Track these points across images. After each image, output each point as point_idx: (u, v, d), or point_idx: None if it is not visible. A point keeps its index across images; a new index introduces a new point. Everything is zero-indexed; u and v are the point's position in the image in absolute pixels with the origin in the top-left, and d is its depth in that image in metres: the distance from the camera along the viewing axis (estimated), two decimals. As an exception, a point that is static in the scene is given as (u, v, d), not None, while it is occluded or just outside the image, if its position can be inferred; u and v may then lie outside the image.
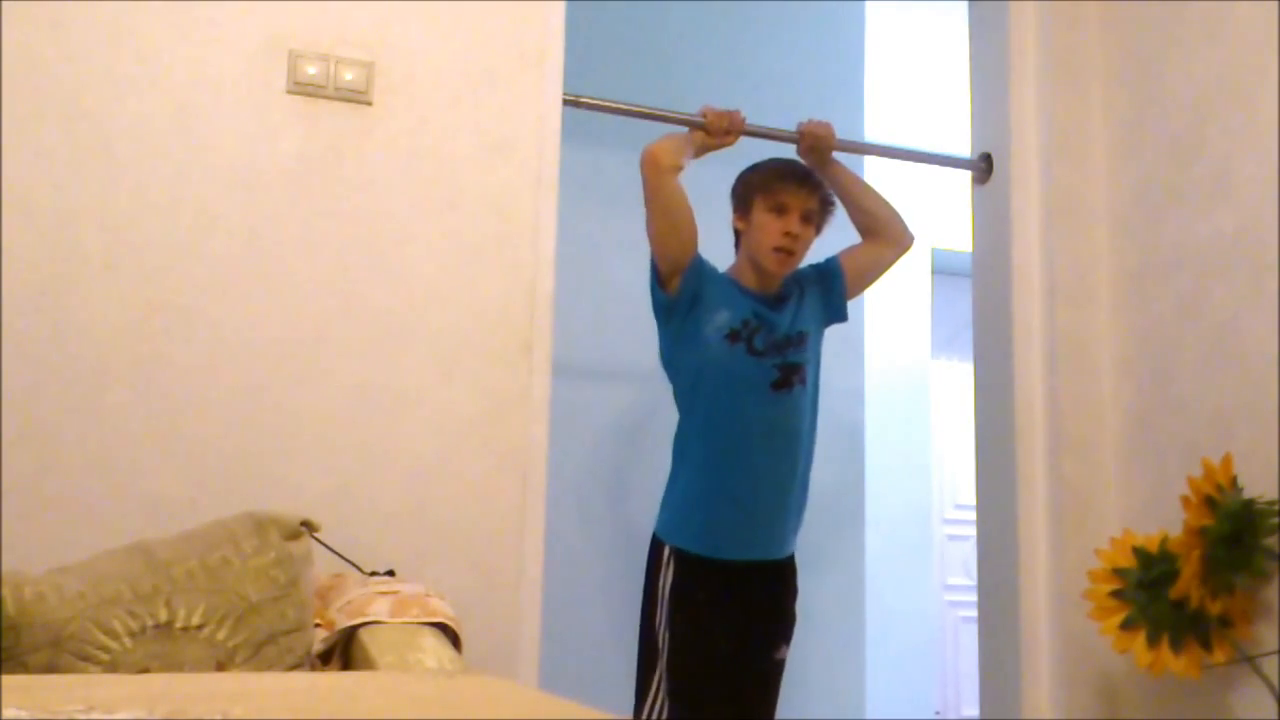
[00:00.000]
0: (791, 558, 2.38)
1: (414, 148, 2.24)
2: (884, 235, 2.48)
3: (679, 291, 2.29)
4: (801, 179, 2.37)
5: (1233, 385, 2.32)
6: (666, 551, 2.28)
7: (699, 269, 2.31)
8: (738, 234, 2.40)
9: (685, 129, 2.41)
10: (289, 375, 2.11)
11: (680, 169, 2.30)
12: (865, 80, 3.77)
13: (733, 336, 2.28)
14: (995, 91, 2.79)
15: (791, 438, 2.31)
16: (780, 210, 2.32)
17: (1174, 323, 2.48)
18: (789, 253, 2.32)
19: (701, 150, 2.39)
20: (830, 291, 2.43)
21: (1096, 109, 2.73)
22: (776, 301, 2.35)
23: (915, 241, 2.53)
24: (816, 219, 2.38)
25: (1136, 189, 2.62)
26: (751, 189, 2.36)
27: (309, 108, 2.18)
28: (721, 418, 2.28)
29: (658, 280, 2.32)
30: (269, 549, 1.66)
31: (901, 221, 2.50)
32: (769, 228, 2.32)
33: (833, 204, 2.43)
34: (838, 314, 2.46)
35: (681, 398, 2.36)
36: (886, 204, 2.50)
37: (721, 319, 2.28)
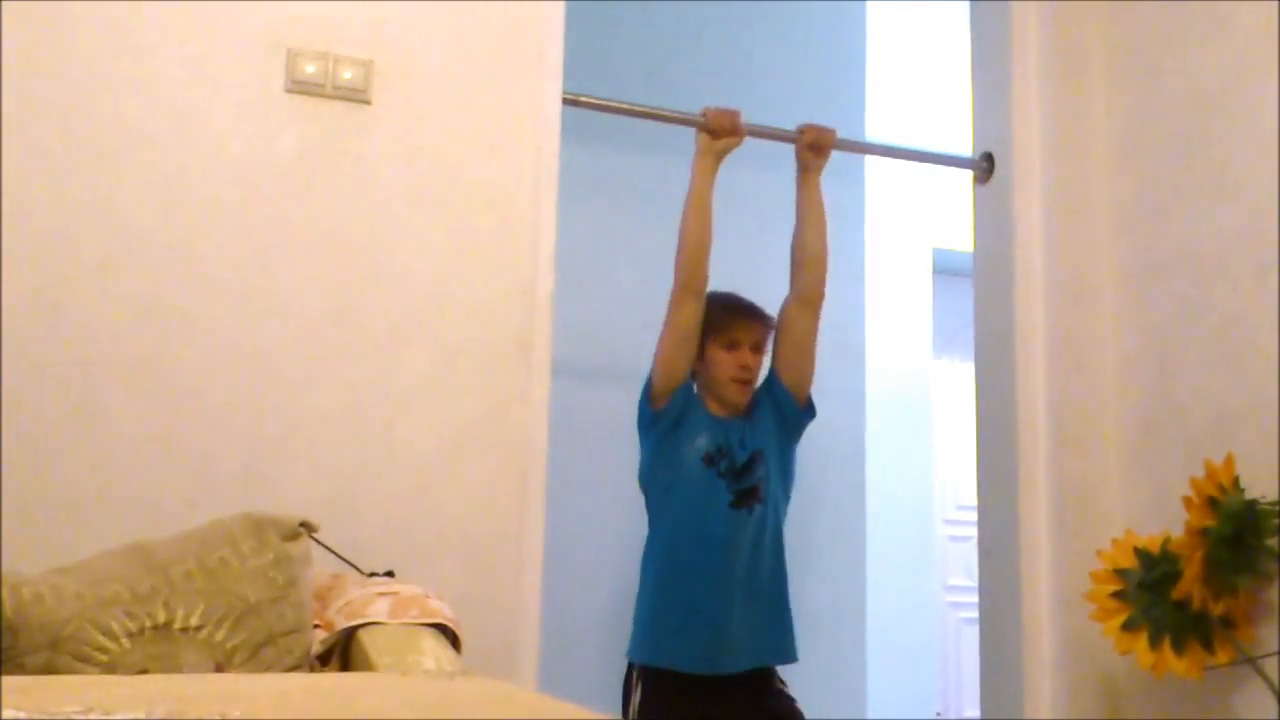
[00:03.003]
0: (766, 670, 2.39)
1: (413, 147, 2.23)
2: (802, 272, 2.45)
3: (667, 407, 2.37)
4: (749, 312, 2.45)
5: (1235, 385, 2.32)
6: (635, 673, 2.35)
7: (688, 391, 2.41)
8: (694, 372, 2.44)
9: (686, 156, 2.43)
10: (287, 375, 2.11)
11: (709, 196, 2.38)
12: (866, 80, 3.76)
13: (708, 460, 2.36)
14: (997, 91, 2.79)
15: (752, 553, 2.35)
16: (733, 346, 2.41)
17: (1176, 322, 2.47)
18: (748, 380, 2.42)
19: (719, 156, 2.42)
20: (778, 402, 2.44)
21: (1098, 108, 2.72)
22: (738, 427, 2.41)
23: (822, 302, 2.47)
24: (764, 346, 2.46)
25: (1138, 188, 2.61)
26: (703, 329, 2.40)
27: (308, 106, 2.18)
28: (684, 531, 2.35)
29: (649, 396, 2.39)
30: (267, 550, 1.65)
31: (823, 273, 2.46)
32: (724, 363, 2.41)
33: (774, 328, 2.47)
34: (795, 419, 2.46)
35: (653, 514, 2.43)
36: (825, 250, 2.47)
37: (701, 442, 2.37)
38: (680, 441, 2.37)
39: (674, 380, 2.37)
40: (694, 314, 2.36)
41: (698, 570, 2.33)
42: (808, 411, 2.47)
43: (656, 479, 2.41)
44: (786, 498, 2.47)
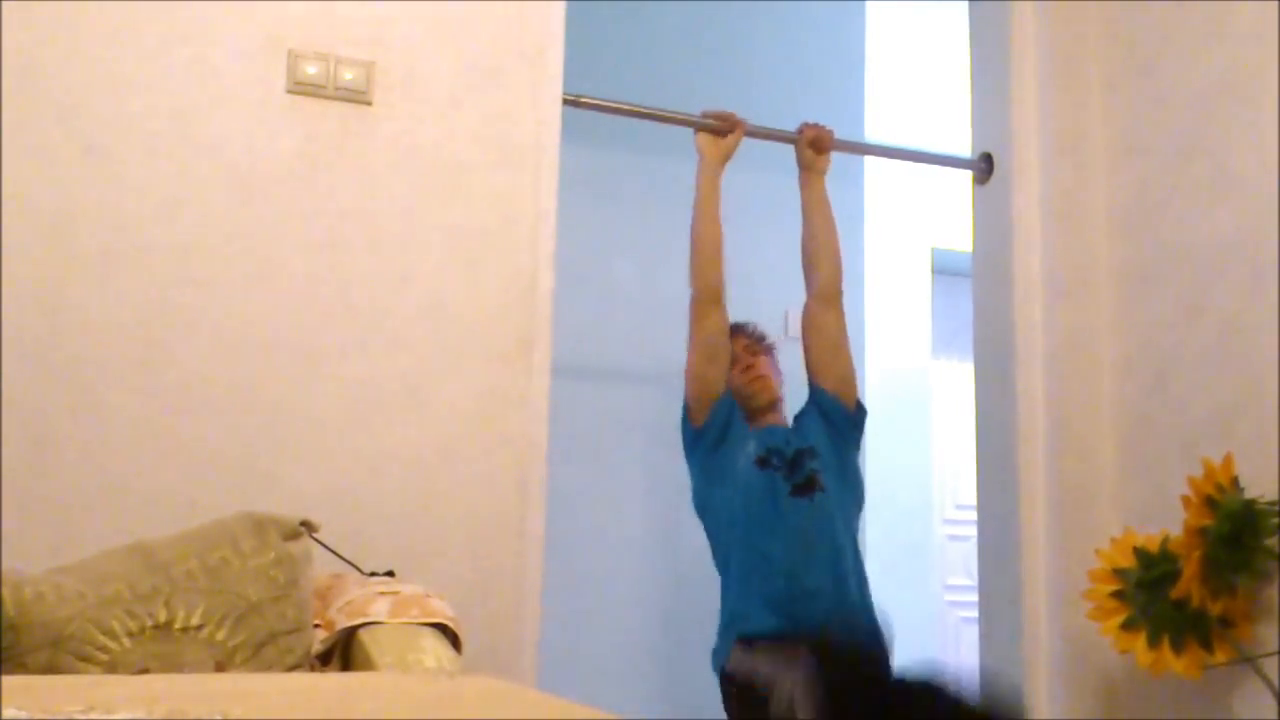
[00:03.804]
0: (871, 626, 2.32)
1: (414, 147, 2.24)
2: (817, 270, 2.47)
3: (708, 422, 2.38)
4: (734, 330, 2.49)
5: (1233, 385, 2.32)
6: (720, 683, 2.28)
7: (730, 404, 2.41)
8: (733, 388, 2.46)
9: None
10: (289, 374, 2.11)
11: (718, 202, 2.41)
12: (865, 80, 3.77)
13: (761, 462, 2.35)
14: (996, 91, 2.79)
15: (825, 545, 2.32)
16: (734, 361, 2.45)
17: (1174, 322, 2.48)
18: (758, 374, 2.45)
19: (724, 161, 2.45)
20: (825, 411, 2.45)
21: (1097, 109, 2.72)
22: (782, 432, 2.43)
23: (842, 297, 2.49)
24: (763, 350, 2.50)
25: (1137, 188, 2.61)
26: None
27: (309, 107, 2.18)
28: (755, 528, 2.32)
29: (687, 415, 2.41)
30: (268, 549, 1.66)
31: (838, 268, 2.48)
32: (733, 377, 2.45)
33: (769, 339, 2.53)
34: (845, 423, 2.47)
35: (715, 531, 2.39)
36: (836, 245, 2.49)
37: (751, 448, 2.37)
38: (731, 452, 2.37)
39: (710, 393, 2.37)
40: (719, 321, 2.38)
41: (778, 561, 2.28)
42: (859, 413, 2.48)
43: (713, 495, 2.39)
44: (856, 504, 2.46)
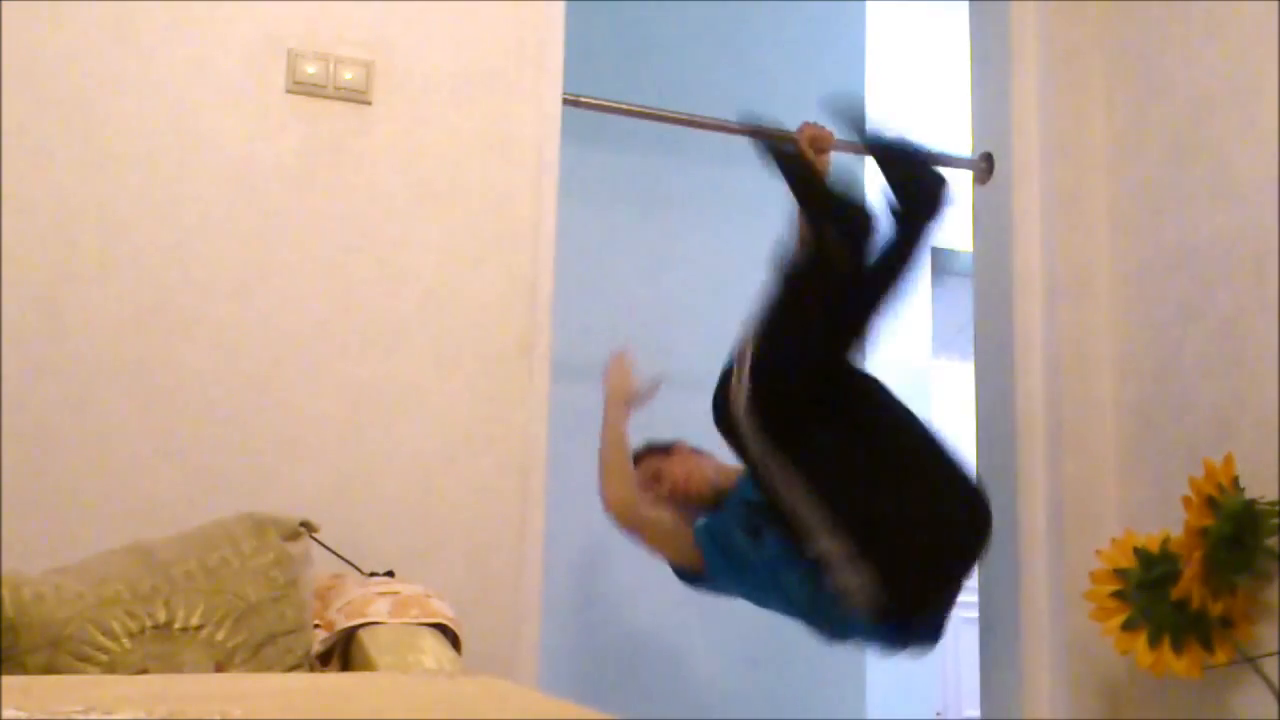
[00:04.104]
0: None
1: (413, 147, 2.24)
2: None
3: (708, 559, 2.28)
4: (639, 459, 2.42)
5: (1234, 385, 2.32)
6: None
7: (707, 531, 2.31)
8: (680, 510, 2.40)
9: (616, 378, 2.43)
10: (288, 375, 2.11)
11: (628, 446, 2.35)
12: (865, 80, 3.77)
13: (754, 533, 2.24)
14: (996, 91, 2.79)
15: None
16: (653, 484, 2.39)
17: (1175, 322, 2.48)
18: (683, 480, 2.37)
19: (631, 406, 2.40)
20: None
21: (1097, 108, 2.72)
22: (742, 484, 2.34)
23: None
24: (660, 461, 2.42)
25: (1137, 188, 2.61)
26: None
27: (308, 107, 2.18)
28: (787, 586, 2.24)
29: (691, 575, 2.34)
30: (268, 550, 1.66)
31: None
32: (669, 497, 2.38)
33: (653, 448, 2.45)
34: None
35: (783, 604, 2.30)
36: None
37: (738, 537, 2.26)
38: (738, 552, 2.26)
39: (689, 553, 2.31)
40: (645, 516, 2.32)
41: None
42: None
43: (769, 588, 2.27)
44: None
